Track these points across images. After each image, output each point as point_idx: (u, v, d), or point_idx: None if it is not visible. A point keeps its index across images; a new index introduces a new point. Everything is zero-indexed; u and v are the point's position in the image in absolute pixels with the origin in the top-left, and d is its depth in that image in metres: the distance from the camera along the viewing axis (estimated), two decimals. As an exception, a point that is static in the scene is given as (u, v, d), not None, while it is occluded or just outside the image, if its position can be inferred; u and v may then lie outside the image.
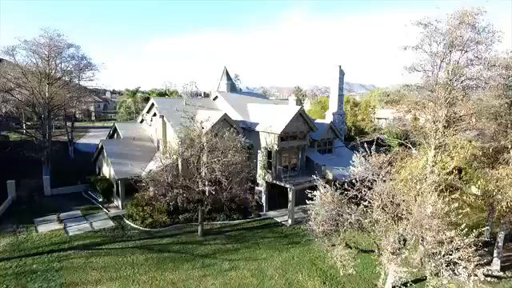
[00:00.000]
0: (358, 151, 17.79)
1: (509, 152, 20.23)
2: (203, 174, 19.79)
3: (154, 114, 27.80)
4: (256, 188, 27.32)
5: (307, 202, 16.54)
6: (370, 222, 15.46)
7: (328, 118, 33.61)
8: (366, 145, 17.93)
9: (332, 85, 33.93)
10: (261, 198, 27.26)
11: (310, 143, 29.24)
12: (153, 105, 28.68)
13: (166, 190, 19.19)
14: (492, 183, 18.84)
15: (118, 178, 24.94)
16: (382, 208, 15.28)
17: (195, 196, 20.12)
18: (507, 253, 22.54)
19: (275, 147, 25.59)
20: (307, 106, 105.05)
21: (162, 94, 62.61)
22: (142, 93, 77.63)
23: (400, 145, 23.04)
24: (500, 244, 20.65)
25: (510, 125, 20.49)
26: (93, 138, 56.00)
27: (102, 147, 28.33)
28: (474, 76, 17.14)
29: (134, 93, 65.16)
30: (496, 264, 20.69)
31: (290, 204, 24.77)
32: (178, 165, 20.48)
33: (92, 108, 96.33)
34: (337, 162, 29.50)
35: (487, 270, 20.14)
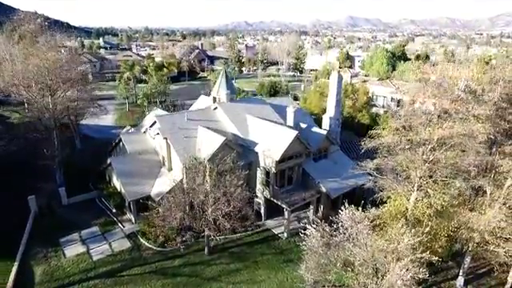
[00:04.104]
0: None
1: (485, 193, 22.28)
2: (208, 217, 22.27)
3: (158, 133, 29.07)
4: (255, 200, 29.94)
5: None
6: (353, 272, 18.33)
7: (325, 123, 34.79)
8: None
9: (331, 89, 34.38)
10: (260, 208, 30.05)
11: (306, 155, 30.95)
12: (155, 122, 29.76)
13: (178, 232, 21.89)
14: (463, 224, 21.27)
15: (130, 199, 27.40)
16: (364, 260, 18.00)
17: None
18: (474, 263, 25.91)
19: (273, 169, 27.51)
20: (310, 63, 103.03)
21: (160, 67, 61.89)
22: (140, 56, 76.09)
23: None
24: (466, 266, 23.89)
25: (488, 166, 22.25)
26: (97, 119, 55.60)
27: (110, 163, 30.30)
28: (455, 142, 18.40)
29: (131, 67, 64.25)
30: (460, 281, 24.23)
31: (285, 221, 27.64)
32: (185, 202, 22.71)
33: (89, 69, 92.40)
34: (331, 170, 31.53)
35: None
